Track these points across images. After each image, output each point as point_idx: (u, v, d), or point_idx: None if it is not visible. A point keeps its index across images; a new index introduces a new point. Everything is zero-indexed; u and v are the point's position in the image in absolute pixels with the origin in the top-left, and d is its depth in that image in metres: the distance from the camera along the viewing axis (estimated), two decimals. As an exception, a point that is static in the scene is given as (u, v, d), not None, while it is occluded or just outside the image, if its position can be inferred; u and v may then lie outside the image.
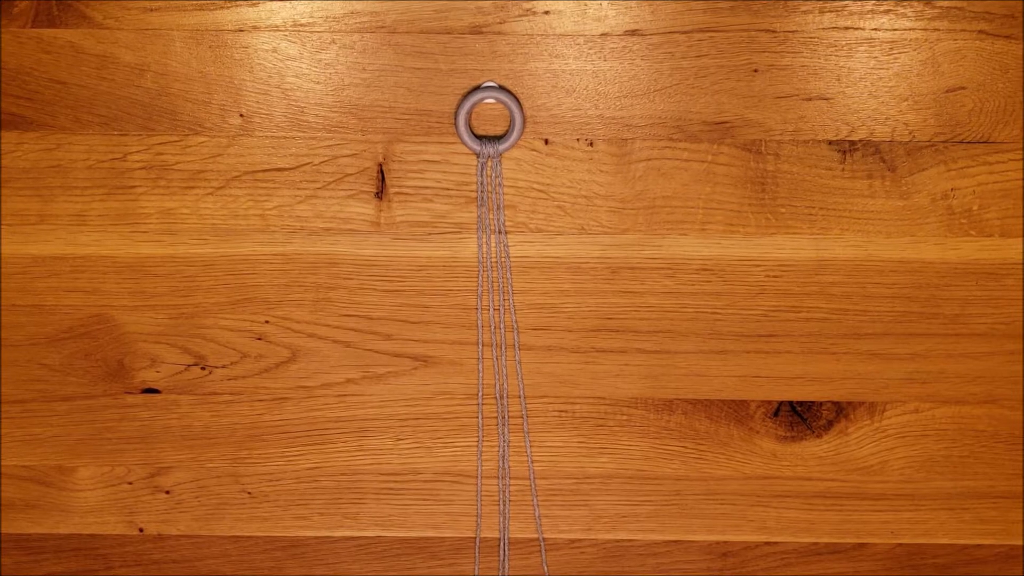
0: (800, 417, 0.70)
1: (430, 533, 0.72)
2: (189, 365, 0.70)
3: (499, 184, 0.67)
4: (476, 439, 0.71)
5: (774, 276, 0.68)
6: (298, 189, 0.67)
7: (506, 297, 0.69)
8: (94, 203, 0.67)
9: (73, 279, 0.68)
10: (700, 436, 0.71)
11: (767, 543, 0.72)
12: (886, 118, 0.66)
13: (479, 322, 0.69)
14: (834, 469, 0.71)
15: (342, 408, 0.70)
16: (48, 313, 0.69)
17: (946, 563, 0.73)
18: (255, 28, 0.65)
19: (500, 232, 0.67)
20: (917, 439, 0.71)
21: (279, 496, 0.72)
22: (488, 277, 0.68)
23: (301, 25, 0.65)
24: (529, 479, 0.71)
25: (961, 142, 0.66)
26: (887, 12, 0.64)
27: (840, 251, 0.68)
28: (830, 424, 0.70)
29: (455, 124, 0.65)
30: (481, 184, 0.67)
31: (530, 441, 0.71)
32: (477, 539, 0.72)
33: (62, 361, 0.70)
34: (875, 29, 0.64)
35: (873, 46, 0.65)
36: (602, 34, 0.65)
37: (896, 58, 0.65)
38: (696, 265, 0.68)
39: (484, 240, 0.68)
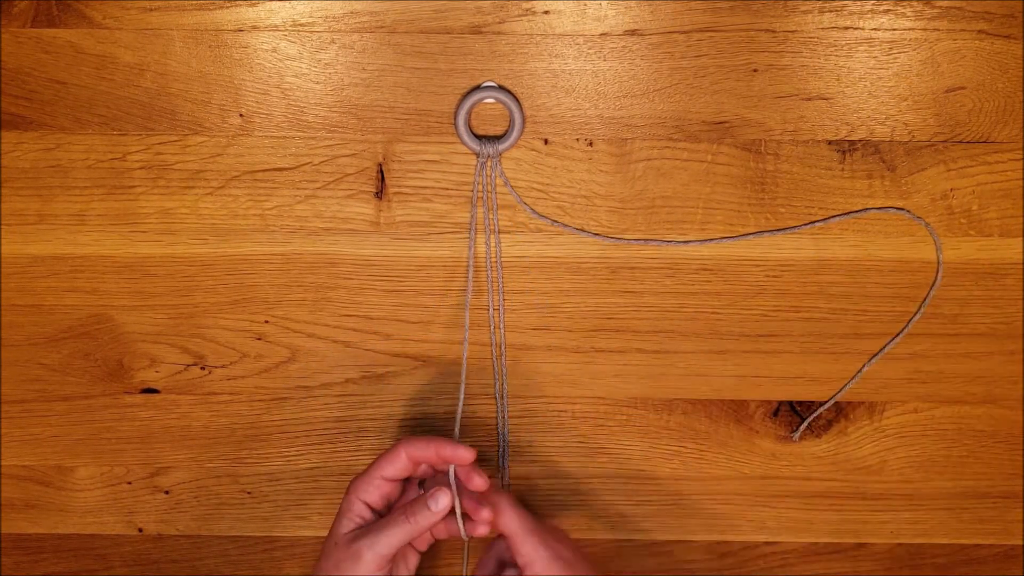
0: (800, 417, 0.70)
1: (430, 533, 0.72)
2: (188, 365, 0.70)
3: (504, 183, 0.67)
4: (475, 440, 0.71)
5: (774, 276, 0.68)
6: (298, 189, 0.67)
7: (497, 296, 0.69)
8: (93, 203, 0.67)
9: (72, 279, 0.68)
10: (700, 436, 0.71)
11: (767, 543, 0.72)
12: (885, 118, 0.66)
13: (466, 321, 0.69)
14: (834, 469, 0.71)
15: (342, 408, 0.70)
16: (47, 313, 0.69)
17: (946, 563, 0.73)
18: (255, 28, 0.65)
19: (497, 232, 0.68)
20: (917, 439, 0.71)
21: (279, 496, 0.72)
22: (489, 277, 0.68)
23: (301, 25, 0.65)
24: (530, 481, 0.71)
25: (961, 142, 0.66)
26: (887, 12, 0.64)
27: (840, 251, 0.68)
28: (829, 424, 0.70)
29: (455, 124, 0.66)
30: (482, 184, 0.67)
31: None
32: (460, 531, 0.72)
33: (61, 361, 0.70)
34: (875, 29, 0.64)
35: (873, 46, 0.65)
36: (601, 34, 0.65)
37: (896, 58, 0.65)
38: (696, 265, 0.68)
39: (475, 240, 0.68)
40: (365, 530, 0.60)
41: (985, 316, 0.69)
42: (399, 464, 0.61)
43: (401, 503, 0.63)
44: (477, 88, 0.65)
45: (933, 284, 0.68)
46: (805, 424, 0.70)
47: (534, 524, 0.61)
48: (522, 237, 0.68)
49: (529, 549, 0.59)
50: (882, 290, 0.68)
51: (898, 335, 0.68)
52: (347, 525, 0.61)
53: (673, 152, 0.66)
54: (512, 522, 0.60)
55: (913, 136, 0.66)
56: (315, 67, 0.65)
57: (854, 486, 0.71)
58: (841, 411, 0.70)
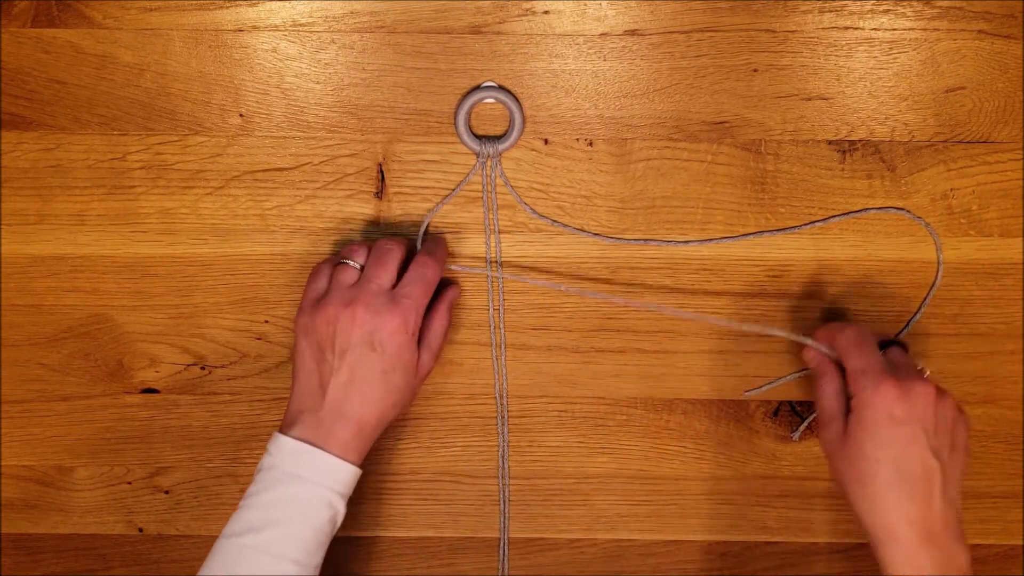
0: (800, 417, 0.70)
1: (429, 533, 0.72)
2: (188, 365, 0.70)
3: (504, 183, 0.67)
4: (475, 440, 0.71)
5: (774, 276, 0.68)
6: (298, 189, 0.67)
7: (497, 296, 0.69)
8: (93, 203, 0.67)
9: (72, 279, 0.68)
10: (700, 436, 0.71)
11: (767, 543, 0.72)
12: (885, 118, 0.66)
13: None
14: (834, 469, 0.71)
15: (342, 408, 0.70)
16: (47, 313, 0.69)
17: (946, 563, 0.72)
18: (254, 28, 0.65)
19: (497, 232, 0.68)
20: (917, 439, 0.71)
21: (279, 496, 0.72)
22: (489, 277, 0.68)
23: (300, 25, 0.65)
24: (528, 479, 0.71)
25: (961, 142, 0.66)
26: (887, 12, 0.64)
27: (840, 251, 0.68)
28: (830, 424, 0.70)
29: (455, 124, 0.66)
30: (482, 184, 0.67)
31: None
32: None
33: (61, 361, 0.70)
34: (875, 29, 0.64)
35: (873, 46, 0.65)
36: (601, 34, 0.65)
37: (896, 58, 0.65)
38: (696, 265, 0.68)
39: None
40: (421, 347, 0.63)
41: (985, 316, 0.69)
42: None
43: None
44: (477, 88, 0.65)
45: (933, 284, 0.68)
46: (805, 424, 0.70)
47: (877, 365, 0.58)
48: (522, 237, 0.68)
49: (857, 389, 0.57)
50: (882, 290, 0.68)
51: (898, 335, 0.68)
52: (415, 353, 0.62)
53: (673, 152, 0.66)
54: (852, 358, 0.58)
55: (913, 136, 0.66)
56: (315, 67, 0.65)
57: (854, 486, 0.71)
58: (841, 411, 0.70)
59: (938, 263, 0.67)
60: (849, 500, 0.59)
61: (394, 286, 0.62)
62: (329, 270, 0.63)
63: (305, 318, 0.61)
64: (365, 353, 0.60)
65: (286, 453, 0.59)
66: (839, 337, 0.61)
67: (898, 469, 0.56)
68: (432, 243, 0.65)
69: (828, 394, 0.60)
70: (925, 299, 0.68)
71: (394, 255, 0.62)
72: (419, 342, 0.62)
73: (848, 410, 0.59)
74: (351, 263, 0.62)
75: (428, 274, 0.62)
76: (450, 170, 0.67)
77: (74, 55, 0.65)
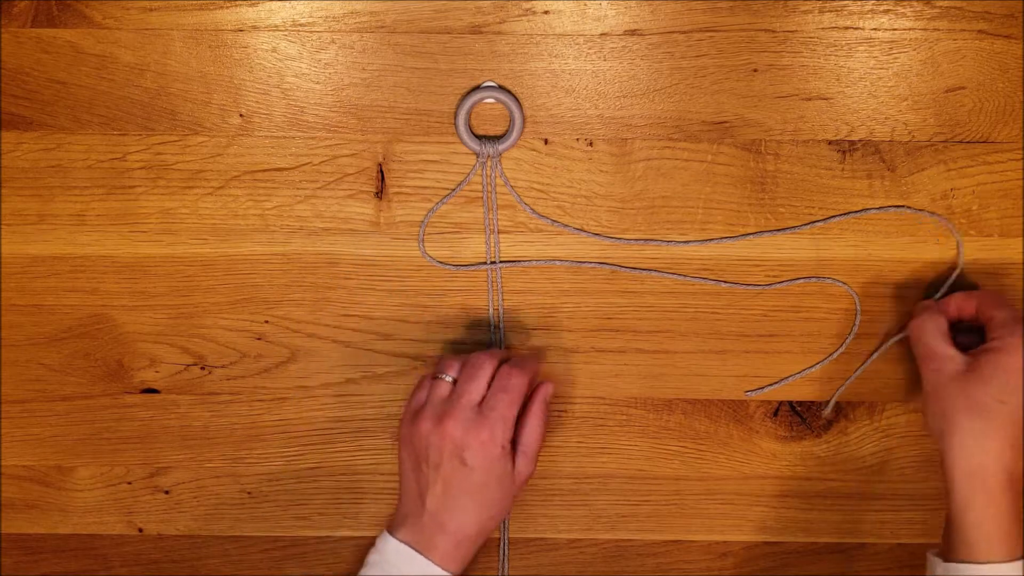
0: (800, 417, 0.70)
1: (430, 533, 0.72)
2: (188, 365, 0.70)
3: (504, 183, 0.67)
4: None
5: (774, 276, 0.68)
6: (298, 189, 0.67)
7: (497, 295, 0.69)
8: (93, 203, 0.67)
9: (72, 279, 0.68)
10: (700, 436, 0.71)
11: (767, 543, 0.72)
12: (885, 118, 0.66)
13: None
14: (834, 469, 0.71)
15: (342, 408, 0.70)
16: (48, 313, 0.69)
17: (946, 563, 0.72)
18: (255, 28, 0.65)
19: (496, 232, 0.68)
20: (917, 439, 0.71)
21: (279, 496, 0.72)
22: (489, 277, 0.68)
23: (300, 25, 0.65)
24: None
25: (960, 142, 0.66)
26: (887, 12, 0.64)
27: (840, 251, 0.68)
28: (830, 424, 0.70)
29: (455, 124, 0.66)
30: (482, 184, 0.67)
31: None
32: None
33: (61, 361, 0.70)
34: (875, 29, 0.64)
35: (873, 46, 0.65)
36: (602, 34, 0.65)
37: (896, 58, 0.65)
38: (696, 265, 0.68)
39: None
40: (516, 452, 0.64)
41: (985, 316, 0.68)
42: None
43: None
44: (477, 88, 0.65)
45: (949, 277, 0.68)
46: (830, 407, 0.70)
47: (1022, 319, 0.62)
48: (522, 237, 0.68)
49: (1004, 333, 0.61)
50: (882, 290, 0.68)
51: (898, 335, 0.68)
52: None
53: (673, 152, 0.66)
54: (999, 310, 0.63)
55: (913, 136, 0.66)
56: (315, 67, 0.65)
57: (854, 486, 0.71)
58: (841, 411, 0.70)
59: (958, 254, 0.67)
60: (947, 436, 0.61)
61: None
62: (429, 383, 0.64)
63: (404, 429, 0.64)
64: (457, 467, 0.61)
65: (390, 552, 0.62)
66: (982, 295, 0.65)
67: (1014, 414, 0.60)
68: (523, 356, 0.66)
69: (933, 332, 0.63)
70: (934, 296, 0.68)
71: (484, 370, 0.63)
72: (515, 446, 0.63)
73: (963, 348, 0.62)
74: (445, 378, 0.64)
75: (512, 384, 0.62)
76: (450, 170, 0.67)
77: (74, 55, 0.65)
